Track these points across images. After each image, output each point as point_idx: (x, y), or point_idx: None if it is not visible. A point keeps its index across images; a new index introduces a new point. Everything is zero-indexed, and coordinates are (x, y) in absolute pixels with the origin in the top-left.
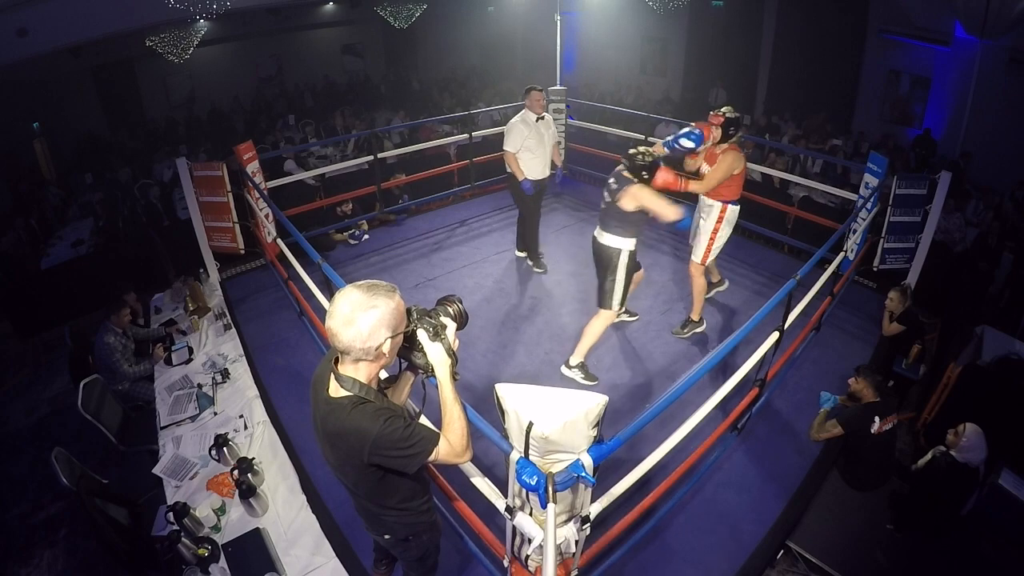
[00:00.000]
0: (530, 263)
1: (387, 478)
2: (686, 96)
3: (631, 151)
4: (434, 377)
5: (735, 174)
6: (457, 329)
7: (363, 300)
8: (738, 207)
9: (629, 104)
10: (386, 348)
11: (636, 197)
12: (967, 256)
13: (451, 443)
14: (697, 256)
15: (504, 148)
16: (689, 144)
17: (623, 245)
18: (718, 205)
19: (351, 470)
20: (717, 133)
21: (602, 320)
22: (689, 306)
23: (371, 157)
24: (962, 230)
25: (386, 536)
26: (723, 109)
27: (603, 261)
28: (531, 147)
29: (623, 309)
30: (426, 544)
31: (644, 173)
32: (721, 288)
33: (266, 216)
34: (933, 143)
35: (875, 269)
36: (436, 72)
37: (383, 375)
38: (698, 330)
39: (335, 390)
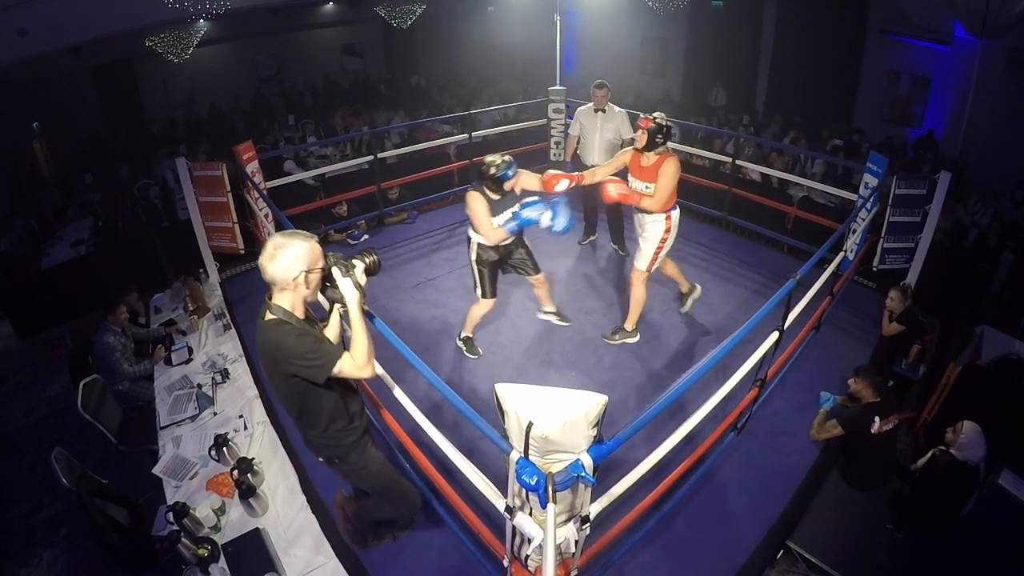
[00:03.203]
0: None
1: (308, 397)
2: (686, 96)
3: (485, 159)
4: (346, 307)
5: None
6: (369, 275)
7: (283, 241)
8: (678, 212)
9: (629, 104)
10: (302, 280)
11: (467, 203)
12: (967, 256)
13: (354, 358)
14: (641, 263)
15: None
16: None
17: (472, 236)
18: (661, 217)
19: (279, 381)
20: (642, 138)
21: (477, 306)
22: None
23: (371, 157)
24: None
25: (319, 459)
26: (655, 114)
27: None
28: (586, 135)
29: (552, 311)
30: (357, 468)
31: (490, 184)
32: (695, 295)
33: (266, 216)
34: (935, 144)
35: (875, 269)
36: (436, 72)
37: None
38: (629, 340)
39: (266, 315)
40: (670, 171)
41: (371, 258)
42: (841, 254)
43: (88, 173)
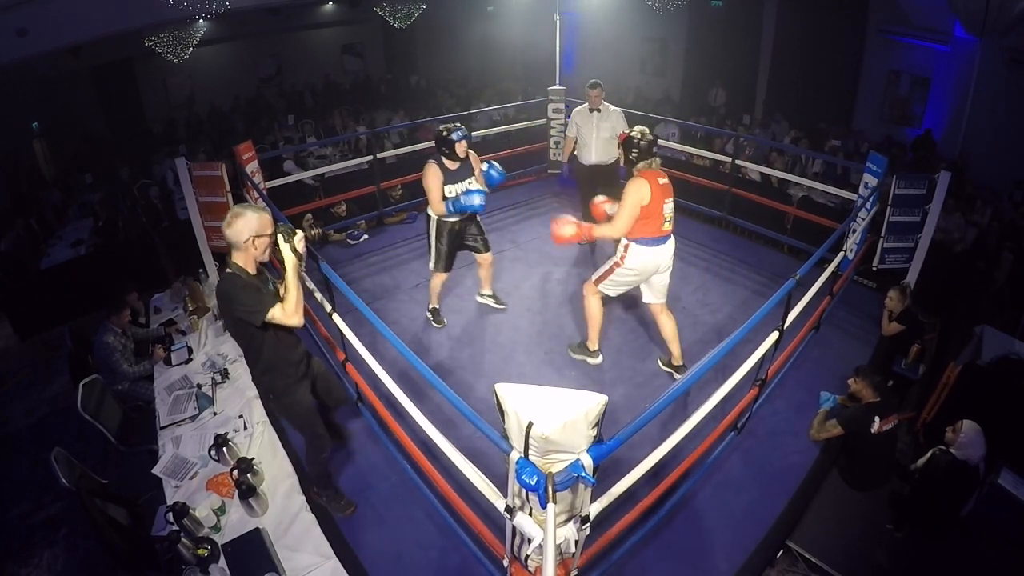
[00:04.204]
0: None
1: (253, 338)
2: (686, 96)
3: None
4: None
5: (644, 205)
6: (309, 242)
7: (239, 211)
8: (647, 248)
9: (629, 104)
10: (252, 243)
11: (423, 174)
12: (967, 256)
13: (284, 308)
14: (593, 276)
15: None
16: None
17: (431, 212)
18: (623, 242)
19: (230, 323)
20: (620, 153)
21: (435, 279)
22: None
23: (371, 157)
24: (962, 230)
25: (259, 393)
26: (633, 128)
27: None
28: (583, 135)
29: (489, 294)
30: (286, 405)
31: (444, 149)
32: (678, 375)
33: None
34: (932, 143)
35: (875, 269)
36: (436, 72)
37: None
38: (590, 360)
39: (226, 270)
40: (628, 192)
41: (314, 231)
42: (841, 254)
43: (88, 173)
